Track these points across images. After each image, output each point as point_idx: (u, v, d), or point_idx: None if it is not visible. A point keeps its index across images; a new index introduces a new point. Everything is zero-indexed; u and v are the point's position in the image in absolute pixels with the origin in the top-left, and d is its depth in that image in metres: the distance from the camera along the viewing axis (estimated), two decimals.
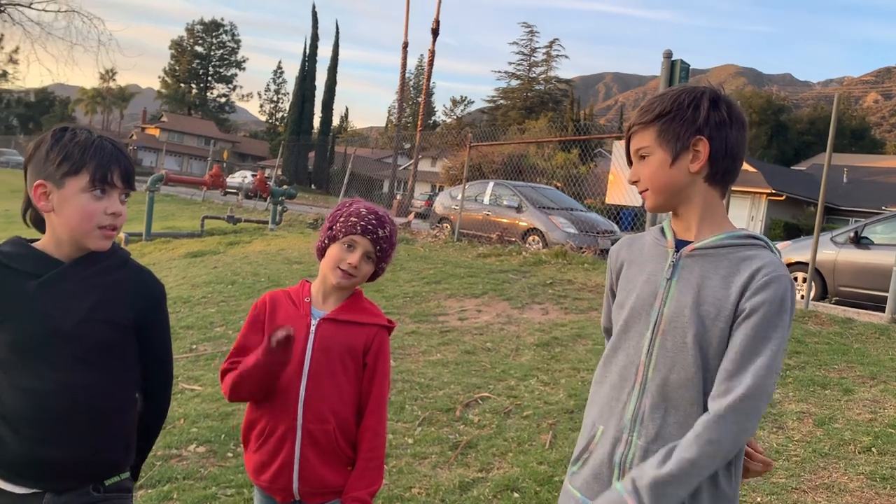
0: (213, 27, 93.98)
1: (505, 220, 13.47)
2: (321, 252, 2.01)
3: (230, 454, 3.82)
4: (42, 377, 1.60)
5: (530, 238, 12.76)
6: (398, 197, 32.86)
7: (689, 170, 1.55)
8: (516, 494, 3.33)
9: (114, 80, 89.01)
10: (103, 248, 1.67)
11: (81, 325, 1.62)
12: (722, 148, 1.54)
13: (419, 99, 53.68)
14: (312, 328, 1.94)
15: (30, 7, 32.08)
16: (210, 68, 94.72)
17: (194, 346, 6.06)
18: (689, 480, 1.43)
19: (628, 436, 1.54)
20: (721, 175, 1.56)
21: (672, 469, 1.41)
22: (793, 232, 30.29)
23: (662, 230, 1.66)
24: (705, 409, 1.47)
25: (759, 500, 3.15)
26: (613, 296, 1.75)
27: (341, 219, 1.98)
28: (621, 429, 1.55)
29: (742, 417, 1.41)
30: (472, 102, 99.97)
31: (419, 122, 36.84)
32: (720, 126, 1.53)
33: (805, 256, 8.65)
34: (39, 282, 1.63)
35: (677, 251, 1.57)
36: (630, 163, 1.66)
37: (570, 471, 1.67)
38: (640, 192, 1.63)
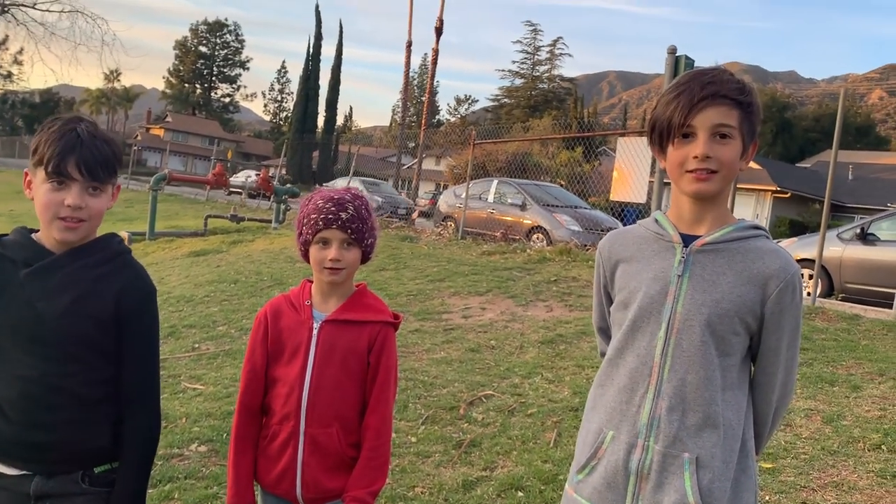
0: (217, 27, 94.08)
1: (509, 218, 13.43)
2: (306, 259, 1.96)
3: None
4: (28, 364, 1.63)
5: (534, 236, 12.73)
6: (403, 195, 32.84)
7: (741, 167, 1.51)
8: (520, 493, 3.29)
9: (118, 80, 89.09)
10: (68, 239, 1.66)
11: (64, 316, 1.64)
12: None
13: (423, 98, 53.64)
14: (315, 332, 1.89)
15: (33, 7, 32.15)
16: (214, 68, 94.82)
17: (197, 345, 6.03)
18: None
19: (644, 441, 1.48)
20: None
21: None
22: (798, 229, 30.13)
23: (657, 222, 1.59)
24: (720, 406, 1.45)
25: (767, 498, 3.10)
26: (607, 294, 1.69)
27: (304, 220, 1.92)
28: (636, 434, 1.49)
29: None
30: (477, 101, 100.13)
31: (423, 121, 36.80)
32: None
33: (811, 253, 8.59)
34: (28, 271, 1.65)
35: (685, 246, 1.51)
36: (673, 131, 1.49)
37: (573, 478, 1.60)
38: (702, 171, 1.46)
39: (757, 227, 1.53)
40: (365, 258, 1.97)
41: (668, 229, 1.55)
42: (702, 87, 1.45)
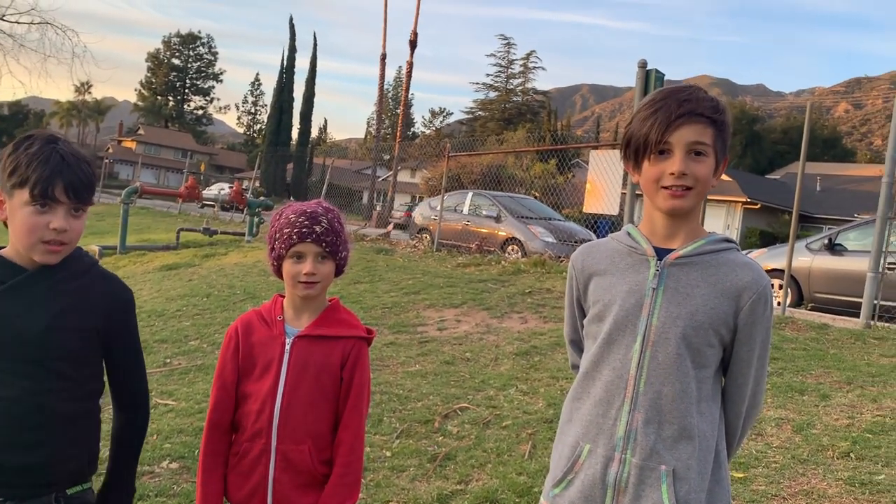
0: (191, 40, 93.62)
1: (484, 230, 13.48)
2: (278, 274, 1.94)
3: None
4: (7, 383, 1.59)
5: (509, 248, 12.78)
6: (378, 208, 32.80)
7: (713, 182, 1.52)
8: None
9: (89, 92, 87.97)
10: (50, 262, 1.63)
11: (46, 332, 1.61)
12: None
13: (398, 110, 53.74)
14: (287, 347, 1.88)
15: (2, 19, 31.68)
16: (187, 81, 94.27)
17: (168, 360, 5.95)
18: None
19: (621, 454, 1.49)
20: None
21: None
22: (768, 240, 30.60)
23: (630, 236, 1.61)
24: (696, 418, 1.47)
25: None
26: (580, 307, 1.70)
27: (277, 234, 1.90)
28: (613, 447, 1.50)
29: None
30: (451, 114, 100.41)
31: (398, 134, 36.87)
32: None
33: (781, 264, 8.72)
34: (3, 288, 1.62)
35: (659, 259, 1.53)
36: (649, 149, 1.50)
37: (549, 493, 1.60)
38: (677, 188, 1.48)
39: (728, 241, 1.56)
40: (338, 271, 1.95)
41: (641, 243, 1.56)
42: (678, 105, 1.48)
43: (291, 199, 50.70)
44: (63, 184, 1.59)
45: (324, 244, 1.87)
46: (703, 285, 1.49)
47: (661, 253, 1.54)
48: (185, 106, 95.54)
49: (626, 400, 1.50)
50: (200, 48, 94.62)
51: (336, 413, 1.90)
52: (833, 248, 9.36)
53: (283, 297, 1.98)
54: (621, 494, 1.48)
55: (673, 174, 1.47)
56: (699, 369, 1.49)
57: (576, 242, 12.52)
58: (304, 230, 1.86)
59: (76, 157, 1.63)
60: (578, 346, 1.72)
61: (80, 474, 1.70)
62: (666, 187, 1.48)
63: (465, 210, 14.30)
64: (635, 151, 1.53)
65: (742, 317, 1.49)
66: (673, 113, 1.47)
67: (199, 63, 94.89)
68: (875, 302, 6.82)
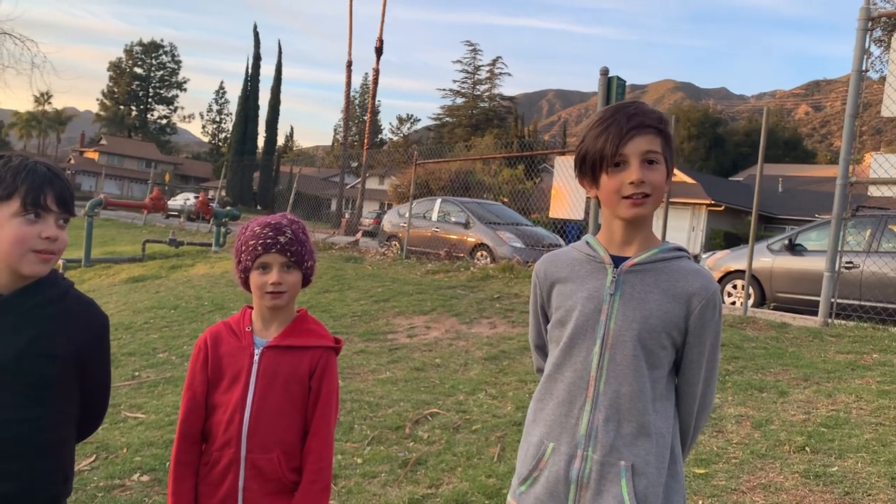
0: (153, 48, 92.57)
1: (453, 237, 13.56)
2: (246, 286, 1.97)
3: None
4: None
5: (478, 253, 12.88)
6: (346, 215, 32.74)
7: (665, 188, 1.61)
8: None
9: (49, 103, 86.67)
10: (40, 272, 1.63)
11: (21, 358, 1.59)
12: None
13: (365, 117, 53.69)
14: (256, 358, 1.91)
15: None
16: (150, 90, 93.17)
17: (137, 373, 5.93)
18: None
19: (583, 451, 1.56)
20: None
21: None
22: (733, 240, 31.14)
23: (589, 245, 1.69)
24: (652, 416, 1.57)
25: (700, 502, 3.23)
26: (544, 313, 1.78)
27: (243, 248, 1.94)
28: (575, 445, 1.57)
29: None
30: (419, 120, 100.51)
31: (366, 141, 36.83)
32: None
33: (743, 265, 8.92)
34: None
35: (616, 267, 1.62)
36: (606, 160, 1.58)
37: (516, 490, 1.67)
38: (637, 196, 1.57)
39: (680, 249, 1.65)
40: (305, 281, 1.99)
41: (599, 251, 1.65)
42: (628, 119, 1.57)
43: (259, 207, 50.37)
44: (53, 193, 1.61)
45: (289, 254, 1.92)
46: (655, 291, 1.58)
47: (617, 261, 1.62)
48: (149, 115, 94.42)
49: (588, 399, 1.58)
50: (163, 57, 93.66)
51: (304, 422, 1.93)
52: (793, 248, 9.58)
53: (252, 308, 2.01)
54: (584, 489, 1.55)
55: (633, 183, 1.55)
56: (653, 370, 1.58)
57: (544, 247, 12.66)
58: (269, 241, 1.91)
59: (56, 170, 1.67)
60: (543, 351, 1.80)
61: (55, 499, 1.70)
62: (627, 196, 1.56)
63: (434, 217, 14.37)
64: (591, 167, 1.61)
65: (692, 321, 1.59)
66: (624, 126, 1.56)
67: (162, 72, 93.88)
68: (832, 300, 7.02)
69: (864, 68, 7.01)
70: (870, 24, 7.05)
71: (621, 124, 1.56)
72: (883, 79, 7.38)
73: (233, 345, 1.95)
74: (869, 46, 7.06)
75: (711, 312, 1.60)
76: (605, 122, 1.60)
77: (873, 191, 7.30)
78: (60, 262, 12.73)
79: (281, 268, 1.91)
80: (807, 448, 3.69)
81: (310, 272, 2.00)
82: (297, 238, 1.95)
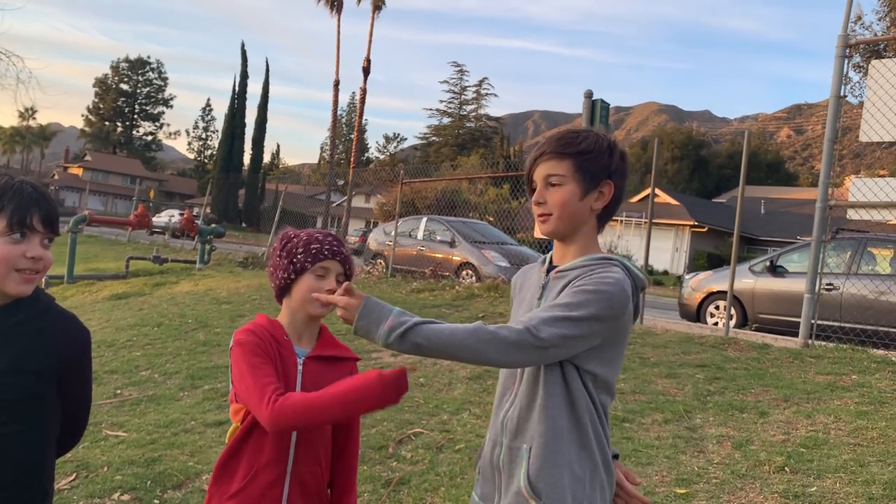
0: (139, 65, 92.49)
1: (439, 255, 13.58)
2: (284, 290, 1.90)
3: (156, 501, 3.73)
4: None
5: (463, 272, 12.90)
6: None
7: (591, 206, 1.70)
8: None
9: (34, 118, 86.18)
10: (24, 292, 1.63)
11: (4, 375, 1.59)
12: (619, 194, 1.72)
13: (352, 136, 53.83)
14: (300, 368, 1.86)
15: None
16: (136, 106, 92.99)
17: (118, 391, 5.88)
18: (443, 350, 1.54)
19: (499, 437, 1.68)
20: (608, 215, 1.74)
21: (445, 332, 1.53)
22: (716, 261, 31.40)
23: (544, 258, 1.82)
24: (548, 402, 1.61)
25: None
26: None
27: (300, 249, 1.88)
28: (497, 433, 1.70)
29: (515, 345, 1.52)
30: (405, 139, 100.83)
31: (352, 159, 36.93)
32: (622, 175, 1.73)
33: (725, 286, 9.00)
34: None
35: (548, 274, 1.74)
36: (530, 186, 1.76)
37: (475, 479, 1.80)
38: (541, 216, 1.72)
39: (609, 259, 1.68)
40: None
41: (545, 262, 1.79)
42: (538, 149, 1.75)
43: (244, 225, 50.20)
44: (40, 214, 1.62)
45: (346, 267, 1.92)
46: (559, 289, 1.68)
47: (552, 269, 1.76)
48: (134, 132, 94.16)
49: (513, 394, 1.69)
50: (150, 73, 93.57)
51: (333, 435, 1.95)
52: (775, 269, 9.69)
53: (270, 318, 1.94)
54: (502, 473, 1.66)
55: (536, 203, 1.72)
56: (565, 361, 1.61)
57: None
58: (335, 248, 1.90)
59: (42, 190, 1.67)
60: None
61: None
62: (538, 216, 1.73)
63: (420, 235, 14.40)
64: (530, 189, 1.79)
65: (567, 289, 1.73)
66: (533, 157, 1.75)
67: (148, 88, 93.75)
68: (812, 322, 7.10)
69: (843, 94, 7.15)
70: (848, 50, 7.21)
71: (533, 155, 1.75)
72: (861, 104, 7.51)
73: (277, 349, 1.86)
74: (848, 72, 7.22)
75: (582, 281, 1.65)
76: (528, 153, 1.78)
77: (852, 214, 7.39)
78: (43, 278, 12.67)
79: (337, 277, 1.89)
80: (786, 468, 3.73)
81: None
82: (351, 257, 1.97)
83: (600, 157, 1.70)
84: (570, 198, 1.68)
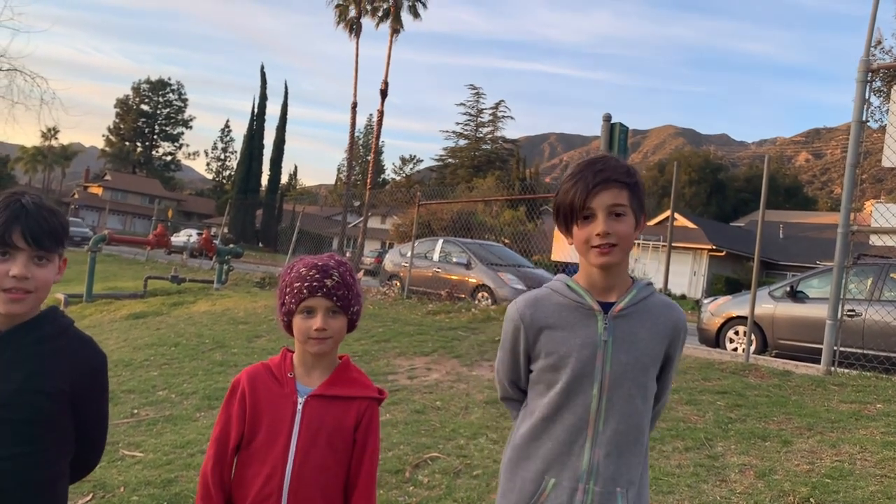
0: (160, 86, 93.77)
1: (454, 277, 13.57)
2: (288, 329, 1.87)
3: None
4: None
5: (479, 294, 12.87)
6: (348, 254, 32.77)
7: (635, 236, 1.72)
8: None
9: (56, 138, 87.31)
10: (13, 311, 1.61)
11: (16, 395, 1.58)
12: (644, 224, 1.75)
13: (368, 157, 54.16)
14: (299, 407, 1.80)
15: None
16: (156, 126, 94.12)
17: (136, 411, 5.89)
18: None
19: (585, 484, 1.68)
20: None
21: None
22: (734, 286, 31.13)
23: (572, 290, 1.76)
24: (645, 445, 1.76)
25: None
26: (527, 356, 1.82)
27: (287, 290, 1.84)
28: (577, 479, 1.68)
29: None
30: (422, 161, 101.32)
31: (369, 180, 37.15)
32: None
33: (745, 311, 8.90)
34: None
35: (605, 313, 1.72)
36: (580, 213, 1.69)
37: None
38: (604, 246, 1.66)
39: (649, 284, 1.80)
40: (351, 326, 1.89)
41: (586, 298, 1.74)
42: (594, 175, 1.69)
43: (261, 245, 50.52)
44: (21, 230, 1.58)
45: (335, 298, 1.81)
46: (642, 331, 1.73)
47: (604, 307, 1.73)
48: (154, 152, 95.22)
49: (588, 439, 1.70)
50: (170, 94, 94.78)
51: (346, 473, 1.83)
52: (795, 295, 9.58)
53: (292, 351, 1.90)
54: None
55: (599, 235, 1.67)
56: (646, 402, 1.75)
57: None
58: (315, 284, 1.81)
59: (38, 205, 1.63)
60: (517, 386, 1.90)
61: None
62: (595, 246, 1.68)
63: (436, 257, 14.41)
64: (565, 218, 1.74)
65: (671, 348, 1.79)
66: (590, 182, 1.68)
67: (168, 109, 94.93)
68: (835, 348, 6.99)
69: (864, 118, 7.10)
70: (870, 75, 7.16)
71: (588, 180, 1.69)
72: (883, 128, 7.46)
73: (274, 391, 1.83)
74: (869, 97, 7.16)
75: (685, 337, 1.83)
76: (575, 178, 1.72)
77: (875, 240, 7.31)
78: (62, 297, 12.77)
79: (326, 313, 1.81)
80: (811, 499, 3.65)
81: (356, 317, 1.90)
82: (345, 281, 1.85)
83: (643, 188, 1.74)
84: (631, 228, 1.70)
